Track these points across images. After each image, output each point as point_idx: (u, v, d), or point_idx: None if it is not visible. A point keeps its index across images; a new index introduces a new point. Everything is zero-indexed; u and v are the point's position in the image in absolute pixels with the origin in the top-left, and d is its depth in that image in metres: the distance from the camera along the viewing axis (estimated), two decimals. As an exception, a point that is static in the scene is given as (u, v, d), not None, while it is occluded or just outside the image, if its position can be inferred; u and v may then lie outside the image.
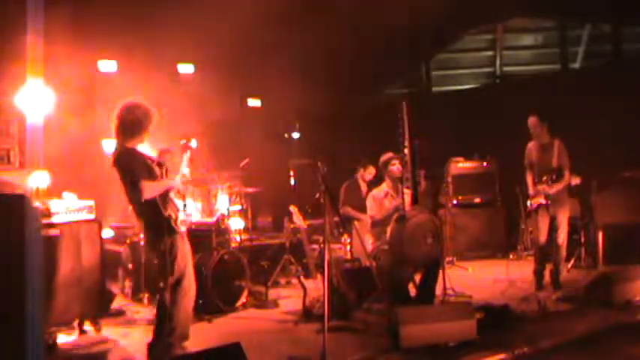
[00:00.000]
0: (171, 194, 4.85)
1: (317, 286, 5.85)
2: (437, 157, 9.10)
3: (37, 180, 6.12)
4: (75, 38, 7.22)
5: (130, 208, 4.97)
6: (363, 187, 8.23)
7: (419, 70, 13.18)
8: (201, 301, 5.93)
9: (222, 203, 7.80)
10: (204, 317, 5.93)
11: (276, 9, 8.43)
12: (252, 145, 9.38)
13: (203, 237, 6.67)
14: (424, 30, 10.81)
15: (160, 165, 4.87)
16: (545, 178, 6.68)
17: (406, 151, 5.86)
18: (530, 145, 7.07)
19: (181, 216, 4.86)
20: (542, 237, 6.84)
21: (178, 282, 4.76)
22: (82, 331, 5.63)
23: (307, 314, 5.88)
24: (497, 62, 12.82)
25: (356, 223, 7.28)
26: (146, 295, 6.58)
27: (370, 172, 8.38)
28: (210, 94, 8.57)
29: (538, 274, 6.87)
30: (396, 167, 6.37)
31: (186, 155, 4.98)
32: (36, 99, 6.77)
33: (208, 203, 7.91)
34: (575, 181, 7.28)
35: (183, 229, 4.85)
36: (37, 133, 6.72)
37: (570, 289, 6.55)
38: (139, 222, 5.05)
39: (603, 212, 7.83)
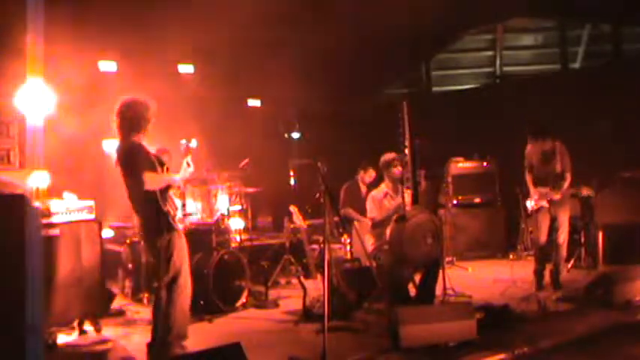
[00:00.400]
0: (171, 192, 4.85)
1: (317, 286, 5.86)
2: (437, 157, 9.11)
3: (37, 180, 6.11)
4: (75, 38, 7.22)
5: (130, 204, 4.98)
6: (363, 189, 8.23)
7: (419, 70, 13.18)
8: (201, 302, 5.94)
9: (222, 203, 7.80)
10: (204, 317, 5.93)
11: (276, 9, 8.43)
12: (252, 145, 9.37)
13: (203, 237, 6.67)
14: (424, 30, 10.80)
15: (161, 163, 4.89)
16: (550, 185, 6.70)
17: (406, 151, 5.87)
18: (530, 147, 7.06)
19: (179, 214, 4.87)
20: (543, 237, 6.84)
21: (174, 280, 4.75)
22: (82, 331, 5.63)
23: (307, 314, 5.88)
24: (497, 62, 12.82)
25: (356, 223, 7.28)
26: (146, 295, 6.59)
27: (370, 175, 8.37)
28: (210, 94, 8.57)
29: (538, 274, 6.88)
30: (397, 169, 6.35)
31: (188, 159, 4.99)
32: (36, 99, 6.77)
33: (208, 203, 7.91)
34: (588, 192, 7.31)
35: (180, 227, 4.85)
36: (37, 134, 6.71)
37: (570, 289, 6.55)
38: (138, 217, 5.05)
39: (603, 212, 7.83)
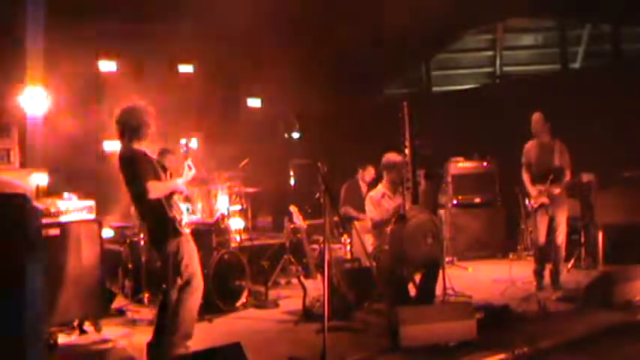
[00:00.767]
0: (175, 197, 4.86)
1: (317, 286, 5.85)
2: (437, 157, 9.11)
3: (37, 180, 6.12)
4: (75, 38, 7.23)
5: (134, 210, 4.98)
6: (364, 188, 8.24)
7: (419, 70, 13.18)
8: (201, 301, 5.93)
9: (222, 203, 7.80)
10: (204, 317, 5.92)
11: (277, 9, 8.44)
12: (252, 145, 9.37)
13: (203, 237, 6.66)
14: (424, 30, 10.80)
15: (164, 168, 4.91)
16: (550, 177, 6.69)
17: (406, 151, 5.85)
18: (529, 144, 7.07)
19: (185, 219, 4.88)
20: (542, 237, 6.84)
21: (188, 282, 4.78)
22: (82, 331, 5.63)
23: (307, 314, 5.88)
24: (497, 62, 12.82)
25: (356, 223, 7.28)
26: (146, 295, 6.58)
27: (370, 173, 8.38)
28: (210, 94, 8.57)
29: (538, 274, 6.88)
30: (399, 173, 6.28)
31: (189, 161, 5.00)
32: (36, 99, 6.79)
33: (208, 203, 7.91)
34: (588, 178, 7.31)
35: (187, 231, 4.87)
36: (37, 133, 6.74)
37: (570, 289, 6.55)
38: (144, 224, 5.06)
39: (603, 212, 7.83)
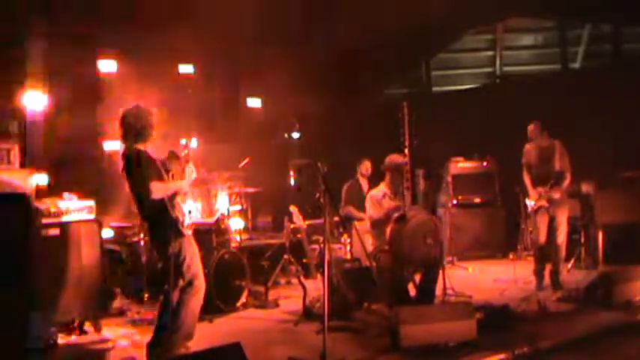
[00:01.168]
0: (178, 198, 4.87)
1: (317, 286, 5.85)
2: (437, 157, 9.11)
3: (37, 180, 6.12)
4: (75, 38, 7.23)
5: (136, 210, 4.99)
6: (364, 184, 8.24)
7: (419, 70, 13.18)
8: (201, 301, 5.93)
9: (222, 203, 7.80)
10: (204, 317, 5.92)
11: (277, 9, 8.44)
12: (252, 145, 9.37)
13: (203, 237, 6.66)
14: (424, 30, 10.80)
15: (167, 170, 4.92)
16: (551, 183, 6.70)
17: (406, 151, 5.84)
18: (529, 146, 7.07)
19: (187, 220, 4.88)
20: (542, 237, 6.84)
21: (190, 283, 4.80)
22: (82, 331, 5.62)
23: (307, 314, 5.89)
24: (497, 62, 12.81)
25: (356, 223, 7.27)
26: (146, 295, 6.58)
27: (366, 166, 8.39)
28: (210, 94, 8.57)
29: (538, 274, 6.88)
30: (402, 176, 6.26)
31: (190, 165, 5.02)
32: (36, 100, 6.79)
33: (208, 203, 7.91)
34: (587, 189, 7.33)
35: (189, 232, 4.87)
36: (37, 134, 6.74)
37: (570, 289, 6.54)
38: (146, 224, 5.07)
39: (603, 212, 7.83)
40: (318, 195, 7.15)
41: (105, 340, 5.49)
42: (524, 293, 6.51)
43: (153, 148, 4.97)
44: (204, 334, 5.36)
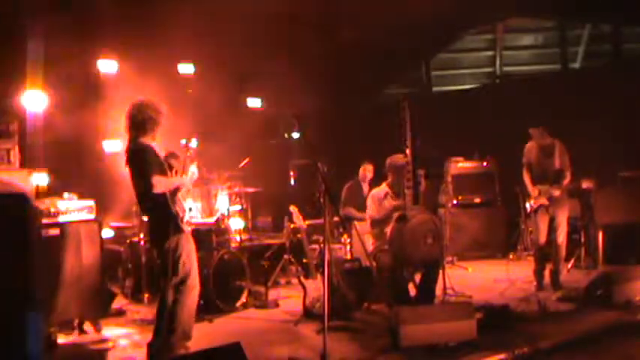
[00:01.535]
0: (179, 195, 4.87)
1: (317, 286, 5.85)
2: (437, 157, 9.10)
3: (37, 180, 6.12)
4: (75, 38, 7.22)
5: (138, 204, 5.00)
6: (365, 188, 8.23)
7: (419, 70, 13.18)
8: (201, 302, 5.93)
9: (222, 203, 7.80)
10: (204, 317, 5.92)
11: (277, 9, 8.44)
12: (252, 145, 9.37)
13: (203, 237, 6.67)
14: (424, 30, 10.80)
15: (170, 166, 4.93)
16: (549, 182, 6.71)
17: (407, 151, 5.84)
18: (530, 144, 7.07)
19: (187, 217, 4.89)
20: (542, 237, 6.84)
21: (183, 281, 4.78)
22: (82, 331, 5.63)
23: (307, 314, 5.88)
24: (497, 62, 12.82)
25: (356, 223, 7.27)
26: (146, 295, 6.59)
27: (369, 170, 8.38)
28: (210, 94, 8.57)
29: (538, 274, 6.88)
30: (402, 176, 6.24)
31: (194, 165, 5.03)
32: (36, 99, 6.79)
33: (208, 203, 7.91)
34: (588, 185, 7.32)
35: (188, 229, 4.87)
36: (37, 133, 6.75)
37: (570, 289, 6.54)
38: (146, 219, 5.07)
39: (603, 212, 7.83)
40: (318, 195, 7.16)
41: (105, 340, 5.49)
42: (524, 293, 6.51)
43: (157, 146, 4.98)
44: (204, 334, 5.36)
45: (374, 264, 5.92)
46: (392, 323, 4.91)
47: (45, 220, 5.38)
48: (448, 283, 6.40)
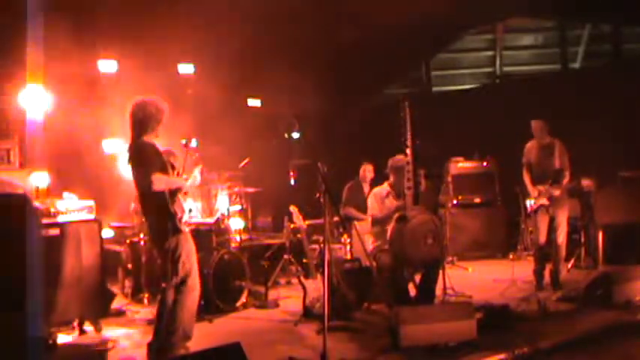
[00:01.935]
0: (179, 195, 4.87)
1: (317, 286, 5.85)
2: (437, 157, 9.09)
3: (37, 180, 6.12)
4: (75, 38, 7.22)
5: (137, 205, 5.00)
6: (366, 188, 8.23)
7: (419, 70, 13.18)
8: (201, 302, 5.93)
9: (222, 203, 7.80)
10: (204, 317, 5.92)
11: (277, 9, 8.43)
12: (252, 145, 9.37)
13: (203, 237, 6.67)
14: (424, 30, 10.80)
15: (172, 166, 4.94)
16: (549, 182, 6.71)
17: (408, 150, 5.83)
18: (530, 144, 7.08)
19: (186, 217, 4.89)
20: (542, 237, 6.84)
21: (183, 281, 4.78)
22: (82, 331, 5.63)
23: (307, 314, 5.88)
24: (497, 62, 12.83)
25: (356, 223, 7.27)
26: (146, 295, 6.59)
27: (369, 170, 8.38)
28: (210, 94, 8.57)
29: (538, 274, 6.88)
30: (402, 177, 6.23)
31: (198, 170, 5.04)
32: (36, 99, 6.79)
33: (208, 203, 7.91)
34: (588, 184, 7.33)
35: (186, 229, 4.88)
36: (37, 134, 6.74)
37: (570, 289, 6.54)
38: (146, 218, 5.08)
39: (603, 212, 7.83)
40: (318, 195, 7.14)
41: (105, 340, 5.49)
42: (524, 293, 6.51)
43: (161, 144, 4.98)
44: (204, 334, 5.36)
45: (374, 264, 5.92)
46: (392, 323, 4.91)
47: (45, 220, 5.38)
48: (448, 283, 6.40)
